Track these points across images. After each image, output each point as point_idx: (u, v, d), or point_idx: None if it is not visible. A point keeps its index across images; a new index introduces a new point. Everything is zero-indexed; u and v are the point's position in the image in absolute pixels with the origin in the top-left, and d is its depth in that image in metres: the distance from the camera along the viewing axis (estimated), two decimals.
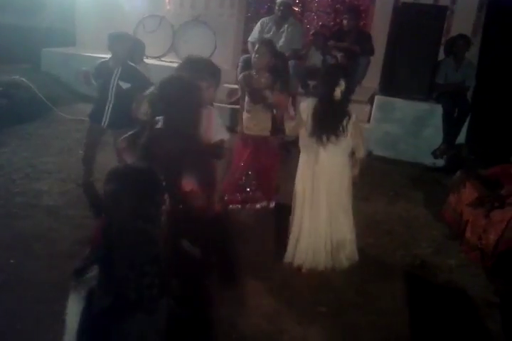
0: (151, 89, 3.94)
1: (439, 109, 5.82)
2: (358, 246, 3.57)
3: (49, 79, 7.04)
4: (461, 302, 3.25)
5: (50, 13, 7.92)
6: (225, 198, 4.14)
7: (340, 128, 3.18)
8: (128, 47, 4.21)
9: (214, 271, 3.23)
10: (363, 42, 6.25)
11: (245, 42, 6.72)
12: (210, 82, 3.02)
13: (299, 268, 3.37)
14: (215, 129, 2.94)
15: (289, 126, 3.37)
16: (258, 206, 4.26)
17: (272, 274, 3.34)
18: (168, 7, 7.45)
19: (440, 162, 5.87)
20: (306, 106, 3.27)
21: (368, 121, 6.25)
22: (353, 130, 3.24)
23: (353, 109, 3.36)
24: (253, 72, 4.02)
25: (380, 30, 6.61)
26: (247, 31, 7.06)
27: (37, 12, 7.97)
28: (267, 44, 3.98)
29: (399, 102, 6.00)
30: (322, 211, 3.31)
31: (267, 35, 6.30)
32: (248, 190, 4.30)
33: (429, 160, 5.88)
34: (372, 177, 5.18)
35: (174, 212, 2.79)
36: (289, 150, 5.73)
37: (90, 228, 3.04)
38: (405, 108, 5.98)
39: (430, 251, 3.87)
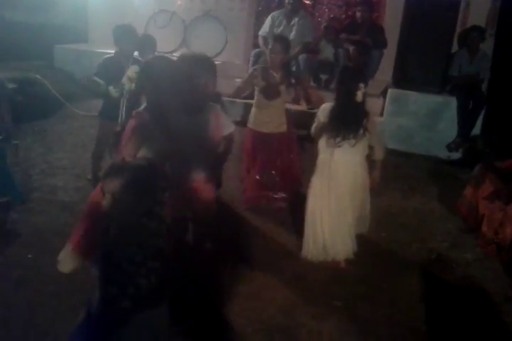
0: (136, 67, 3.63)
1: (453, 102, 5.76)
2: (373, 240, 3.55)
3: (62, 76, 7.08)
4: (478, 296, 3.22)
5: (63, 11, 7.97)
6: (247, 197, 4.09)
7: (361, 130, 3.18)
8: (135, 41, 4.15)
9: (229, 264, 3.25)
10: (376, 34, 6.21)
11: (256, 36, 6.69)
12: (207, 77, 2.87)
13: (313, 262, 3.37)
14: (223, 126, 2.93)
15: (312, 129, 3.42)
16: (280, 205, 4.14)
17: (287, 268, 3.34)
18: (179, 2, 7.44)
19: (455, 155, 5.81)
20: (326, 108, 3.28)
21: (381, 114, 6.20)
22: (371, 129, 3.24)
23: (367, 102, 3.32)
24: (268, 68, 3.95)
25: (392, 22, 6.53)
26: (258, 25, 7.03)
27: (50, 9, 8.02)
28: (282, 41, 3.92)
29: (412, 95, 5.94)
30: (336, 207, 3.30)
31: (278, 29, 6.28)
32: (272, 191, 4.13)
33: (443, 154, 5.83)
34: (386, 171, 5.14)
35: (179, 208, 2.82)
36: (302, 145, 5.73)
37: None
38: (419, 101, 5.92)
39: (446, 245, 3.85)
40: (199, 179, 2.80)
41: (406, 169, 5.39)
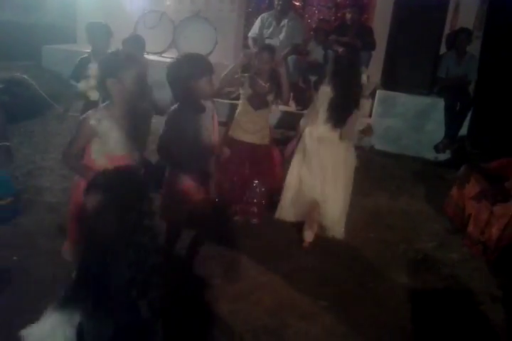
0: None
1: (441, 103, 5.80)
2: (360, 240, 3.56)
3: (50, 76, 7.02)
4: (464, 296, 3.25)
5: (51, 10, 7.93)
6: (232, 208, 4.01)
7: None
8: (108, 38, 4.03)
9: (216, 266, 3.25)
10: (365, 36, 6.24)
11: (246, 37, 6.71)
12: (207, 77, 2.82)
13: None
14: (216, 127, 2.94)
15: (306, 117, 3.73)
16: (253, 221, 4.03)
17: (274, 269, 3.34)
18: (168, 2, 7.43)
19: (442, 156, 5.85)
20: (324, 93, 3.52)
21: (370, 115, 6.23)
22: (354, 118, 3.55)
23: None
24: (256, 77, 3.85)
25: (381, 24, 6.57)
26: (248, 26, 7.05)
27: (38, 9, 7.97)
28: (271, 50, 3.86)
29: (401, 96, 5.98)
30: (318, 177, 3.63)
31: (267, 31, 6.29)
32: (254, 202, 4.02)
33: (431, 155, 5.87)
34: (374, 172, 5.18)
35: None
36: None
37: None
38: (407, 102, 5.96)
39: (432, 246, 3.87)
40: (197, 180, 2.79)
41: (394, 170, 5.42)
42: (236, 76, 3.90)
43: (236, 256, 3.44)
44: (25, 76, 6.42)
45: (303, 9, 8.17)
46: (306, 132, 3.72)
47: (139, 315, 1.61)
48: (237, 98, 4.14)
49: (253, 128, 3.85)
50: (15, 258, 3.17)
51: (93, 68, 3.16)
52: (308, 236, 3.67)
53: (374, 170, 5.23)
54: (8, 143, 2.71)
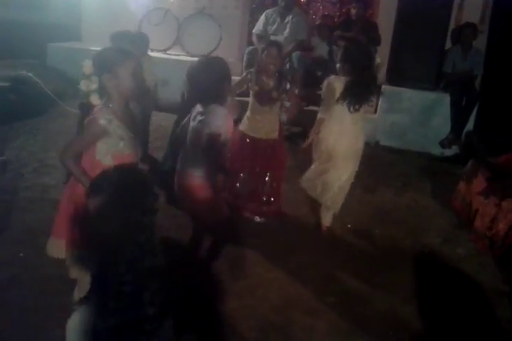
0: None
1: (446, 98, 5.77)
2: (366, 236, 3.55)
3: (55, 74, 7.05)
4: (471, 291, 3.24)
5: (56, 8, 7.94)
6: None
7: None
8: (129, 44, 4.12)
9: (223, 262, 3.25)
10: (370, 31, 6.20)
11: (251, 34, 6.68)
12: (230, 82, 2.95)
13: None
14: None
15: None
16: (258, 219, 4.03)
17: (280, 265, 3.33)
18: (172, 0, 7.42)
19: (448, 151, 5.82)
20: (339, 83, 3.50)
21: (375, 111, 6.20)
22: None
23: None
24: (261, 73, 3.85)
25: (386, 19, 6.53)
26: (253, 23, 7.02)
27: (43, 7, 7.99)
28: (278, 47, 3.86)
29: (406, 92, 5.95)
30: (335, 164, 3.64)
31: (272, 27, 6.27)
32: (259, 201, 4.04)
33: (437, 150, 5.84)
34: (380, 168, 5.16)
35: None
36: (297, 142, 5.73)
37: None
38: (413, 98, 5.93)
39: (439, 241, 3.86)
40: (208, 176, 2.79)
41: (399, 166, 5.40)
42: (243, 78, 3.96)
43: (242, 253, 3.44)
44: (30, 74, 6.44)
45: (307, 5, 8.13)
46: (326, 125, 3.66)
47: (139, 315, 1.57)
48: (243, 94, 4.12)
49: (260, 123, 3.88)
50: (21, 255, 3.18)
51: (87, 65, 3.01)
52: (327, 219, 3.74)
53: (379, 165, 5.20)
54: (3, 158, 2.65)
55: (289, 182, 4.21)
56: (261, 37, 6.21)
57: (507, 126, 5.50)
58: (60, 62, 7.28)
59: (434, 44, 5.84)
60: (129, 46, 4.34)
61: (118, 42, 4.01)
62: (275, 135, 3.94)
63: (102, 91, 2.48)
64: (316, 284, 3.18)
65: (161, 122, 5.60)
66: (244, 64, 6.32)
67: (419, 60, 5.85)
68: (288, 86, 3.87)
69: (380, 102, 6.09)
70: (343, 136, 3.55)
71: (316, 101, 6.28)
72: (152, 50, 6.39)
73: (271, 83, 3.83)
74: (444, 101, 5.80)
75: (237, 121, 4.18)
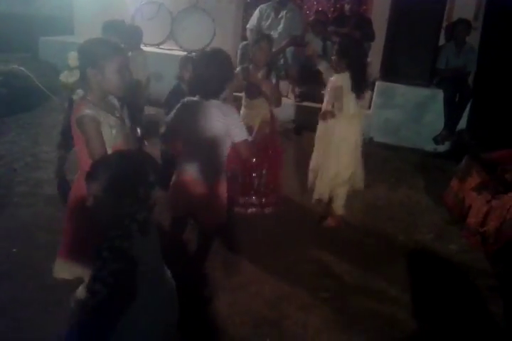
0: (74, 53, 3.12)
1: (440, 95, 5.79)
2: (359, 232, 3.56)
3: (47, 68, 6.98)
4: (463, 286, 3.26)
5: (48, 1, 7.87)
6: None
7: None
8: (122, 36, 4.06)
9: (217, 257, 3.25)
10: (364, 27, 6.20)
11: (245, 28, 6.65)
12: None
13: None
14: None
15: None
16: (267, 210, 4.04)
17: (274, 260, 3.35)
18: None
19: (442, 147, 5.85)
20: (342, 81, 3.61)
21: (369, 107, 6.21)
22: None
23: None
24: (249, 66, 3.85)
25: (380, 15, 6.53)
26: (247, 17, 6.98)
27: (35, 0, 7.91)
28: (269, 40, 3.84)
29: (400, 88, 5.96)
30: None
31: (266, 22, 6.25)
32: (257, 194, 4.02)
33: (430, 146, 5.87)
34: (374, 164, 5.17)
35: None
36: (290, 137, 5.74)
37: None
38: (406, 94, 5.94)
39: (431, 237, 3.88)
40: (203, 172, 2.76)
41: (393, 162, 5.42)
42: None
43: (236, 248, 3.44)
44: (22, 68, 6.39)
45: (301, 0, 8.10)
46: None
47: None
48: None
49: (252, 117, 3.84)
50: (14, 250, 3.17)
51: (72, 57, 2.90)
52: (339, 208, 3.84)
53: (373, 162, 5.21)
54: None
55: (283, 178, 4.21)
56: (255, 32, 6.19)
57: (500, 122, 5.54)
58: (52, 56, 7.21)
59: (427, 40, 5.85)
60: (120, 38, 4.30)
61: (110, 33, 3.90)
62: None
63: (84, 85, 2.30)
64: (310, 279, 3.19)
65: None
66: (238, 59, 6.30)
67: (413, 56, 5.86)
68: (274, 80, 3.86)
69: (374, 98, 6.10)
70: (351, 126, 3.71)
71: (311, 97, 6.31)
72: (145, 45, 6.36)
73: (259, 75, 3.82)
74: (437, 97, 5.82)
75: None
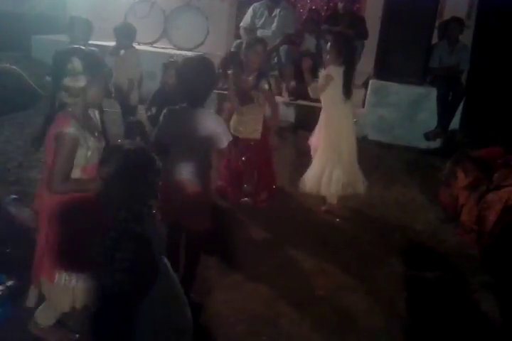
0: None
1: (434, 93, 5.81)
2: (355, 230, 3.57)
3: (40, 67, 6.94)
4: (457, 284, 3.28)
5: (41, 0, 7.80)
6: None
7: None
8: (87, 31, 4.02)
9: (210, 258, 3.24)
10: (357, 26, 6.21)
11: (238, 27, 6.64)
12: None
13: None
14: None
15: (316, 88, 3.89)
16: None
17: (270, 259, 3.35)
18: None
19: (433, 144, 5.87)
20: (336, 72, 3.75)
21: (363, 105, 6.23)
22: None
23: None
24: (240, 71, 3.83)
25: (373, 13, 6.55)
26: (240, 16, 6.98)
27: None
28: (263, 43, 3.82)
29: (393, 86, 5.97)
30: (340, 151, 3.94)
31: (259, 21, 6.24)
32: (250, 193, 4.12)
33: (424, 144, 5.89)
34: (367, 162, 5.17)
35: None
36: (285, 137, 5.74)
37: None
38: (400, 92, 5.96)
39: (426, 235, 3.90)
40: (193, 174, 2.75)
41: (387, 160, 5.44)
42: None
43: (232, 246, 3.44)
44: (14, 67, 6.34)
45: None
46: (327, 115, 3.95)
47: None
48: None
49: (242, 122, 3.86)
50: (8, 250, 3.15)
51: (76, 63, 2.83)
52: (333, 197, 4.02)
53: (367, 160, 5.21)
54: None
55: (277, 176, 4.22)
56: (249, 30, 6.19)
57: (493, 120, 5.57)
58: (45, 55, 7.13)
59: (421, 39, 5.87)
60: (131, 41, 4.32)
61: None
62: (257, 135, 3.89)
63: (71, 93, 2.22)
64: (305, 278, 3.20)
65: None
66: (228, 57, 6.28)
67: (406, 54, 5.88)
68: (267, 86, 3.78)
69: (367, 96, 6.12)
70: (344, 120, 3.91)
71: (305, 95, 6.31)
72: (139, 43, 6.34)
73: (250, 81, 3.78)
74: (430, 95, 5.84)
75: None
